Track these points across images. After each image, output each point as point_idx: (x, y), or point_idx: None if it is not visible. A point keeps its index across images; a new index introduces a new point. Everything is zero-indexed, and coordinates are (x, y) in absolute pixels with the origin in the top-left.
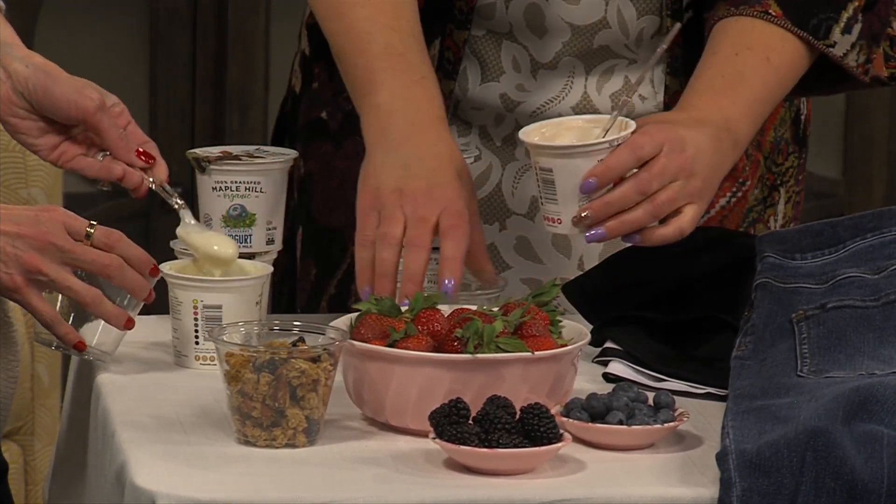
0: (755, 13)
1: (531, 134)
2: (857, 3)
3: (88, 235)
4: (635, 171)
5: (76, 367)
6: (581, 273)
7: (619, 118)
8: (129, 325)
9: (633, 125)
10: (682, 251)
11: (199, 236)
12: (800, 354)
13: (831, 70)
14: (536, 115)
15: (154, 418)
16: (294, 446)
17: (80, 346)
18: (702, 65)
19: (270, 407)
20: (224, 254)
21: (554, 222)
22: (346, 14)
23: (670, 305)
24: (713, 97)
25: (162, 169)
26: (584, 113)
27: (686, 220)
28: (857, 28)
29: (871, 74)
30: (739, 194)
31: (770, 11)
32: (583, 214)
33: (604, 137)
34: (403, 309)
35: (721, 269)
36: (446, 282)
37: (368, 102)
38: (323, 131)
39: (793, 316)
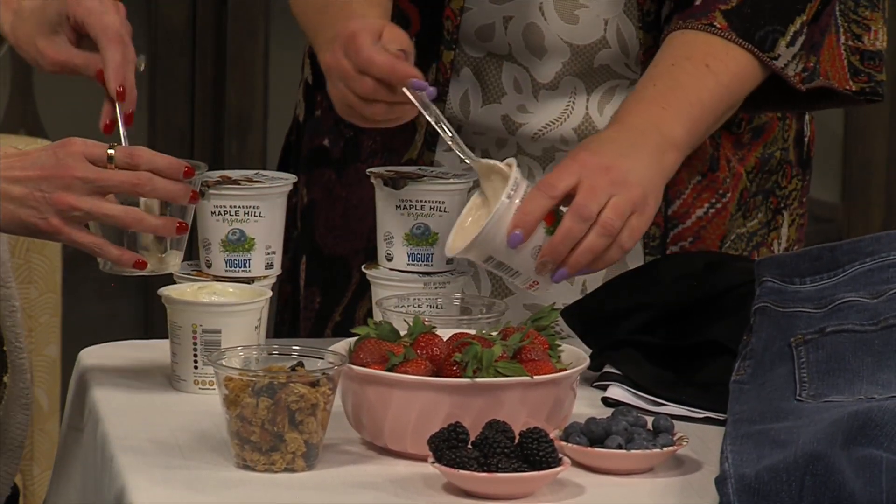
0: (700, 26)
1: (455, 245)
2: (804, 18)
3: (111, 159)
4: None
5: (75, 391)
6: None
7: (494, 163)
8: (181, 230)
9: (511, 160)
10: (681, 275)
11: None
12: (798, 379)
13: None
14: (538, 138)
15: (153, 443)
16: (293, 471)
17: (139, 265)
18: (640, 79)
19: (269, 431)
20: None
21: (533, 287)
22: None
23: (669, 330)
24: (642, 106)
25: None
26: (586, 135)
27: (625, 235)
28: (800, 40)
29: (816, 85)
30: (719, 205)
31: (715, 24)
32: (542, 263)
33: (504, 191)
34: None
35: (720, 293)
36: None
37: (318, 53)
38: (325, 159)
39: (791, 340)
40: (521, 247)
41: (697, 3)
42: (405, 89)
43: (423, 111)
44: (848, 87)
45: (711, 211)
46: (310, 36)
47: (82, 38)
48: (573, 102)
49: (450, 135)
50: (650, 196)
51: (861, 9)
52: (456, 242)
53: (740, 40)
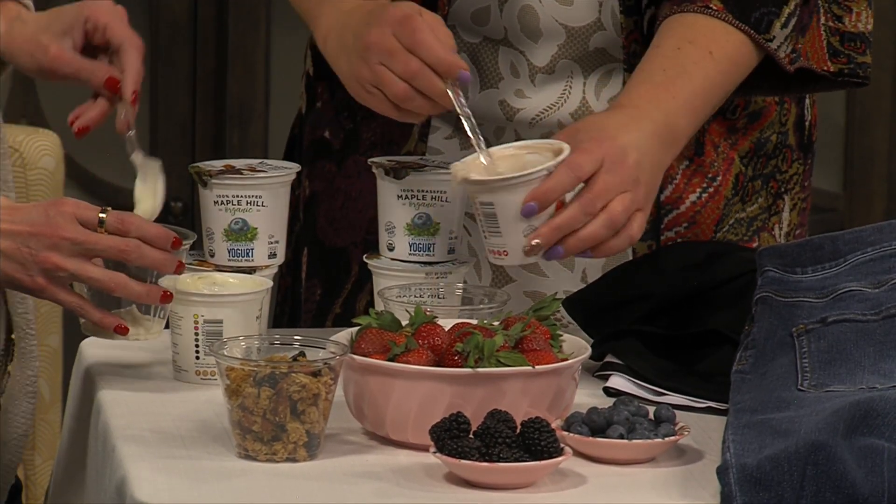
0: (696, 9)
1: (466, 169)
2: (798, 0)
3: (102, 222)
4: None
5: (77, 381)
6: (583, 286)
7: (553, 142)
8: (165, 298)
9: (567, 148)
10: (683, 265)
11: (139, 188)
12: (800, 368)
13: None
14: (535, 124)
15: (154, 433)
16: (295, 460)
17: (120, 330)
18: (644, 59)
19: (271, 421)
20: (142, 208)
21: (500, 254)
22: None
23: (671, 319)
24: (653, 90)
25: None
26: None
27: (635, 227)
28: (793, 22)
29: (797, 66)
30: (711, 190)
31: (711, 6)
32: (533, 243)
33: (549, 162)
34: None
35: (721, 282)
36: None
37: (317, 39)
38: (326, 151)
39: (793, 330)
40: (523, 222)
41: None
42: (449, 86)
43: (459, 112)
44: (825, 68)
45: (704, 195)
46: (306, 18)
47: (87, 48)
48: (570, 86)
49: (481, 141)
50: (652, 192)
51: None
52: (467, 168)
53: (738, 22)
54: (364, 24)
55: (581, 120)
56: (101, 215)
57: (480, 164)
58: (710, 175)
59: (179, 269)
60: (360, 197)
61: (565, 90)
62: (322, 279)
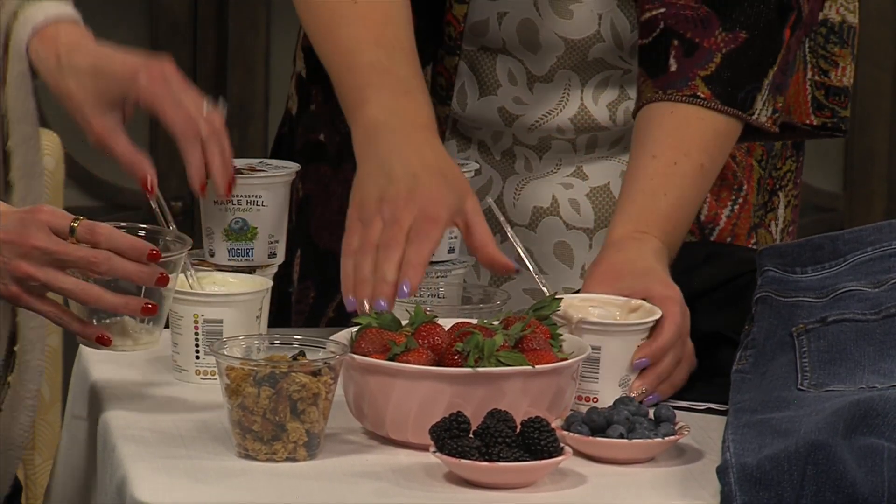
0: (684, 98)
1: (574, 308)
2: (774, 68)
3: (73, 231)
4: None
5: (77, 381)
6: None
7: (613, 297)
8: (146, 311)
9: (658, 311)
10: (683, 266)
11: None
12: (800, 368)
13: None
14: (534, 129)
15: (154, 432)
16: (295, 460)
17: (102, 341)
18: (641, 169)
19: (271, 421)
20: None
21: (590, 401)
22: (334, 33)
23: None
24: (661, 221)
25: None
26: (582, 124)
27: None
28: (769, 88)
29: (781, 121)
30: (741, 200)
31: (699, 94)
32: (643, 389)
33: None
34: (380, 312)
35: (721, 283)
36: (403, 286)
37: (356, 119)
38: (321, 154)
39: (793, 329)
40: (623, 371)
41: (673, 68)
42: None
43: (519, 250)
44: (808, 122)
45: (736, 207)
46: (343, 91)
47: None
48: (568, 93)
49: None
50: None
51: (830, 45)
52: (576, 312)
53: (726, 108)
54: (403, 165)
55: (610, 258)
56: (72, 224)
57: (577, 304)
58: (735, 186)
59: (161, 281)
60: None
61: (563, 97)
62: (316, 281)
